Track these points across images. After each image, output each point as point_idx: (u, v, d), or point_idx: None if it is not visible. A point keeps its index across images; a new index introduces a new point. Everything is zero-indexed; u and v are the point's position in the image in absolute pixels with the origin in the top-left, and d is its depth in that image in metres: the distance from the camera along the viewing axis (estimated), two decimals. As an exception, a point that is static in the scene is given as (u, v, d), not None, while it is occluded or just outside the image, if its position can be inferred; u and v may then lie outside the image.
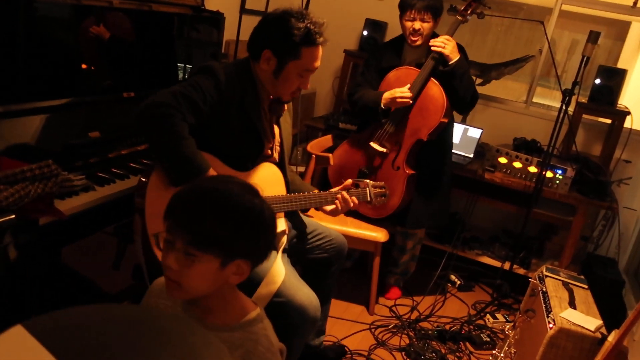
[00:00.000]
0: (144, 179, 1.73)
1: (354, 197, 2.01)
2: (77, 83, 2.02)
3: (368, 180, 2.08)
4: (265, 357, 1.20)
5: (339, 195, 2.00)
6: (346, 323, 2.77)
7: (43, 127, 1.79)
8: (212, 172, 1.72)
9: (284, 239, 1.92)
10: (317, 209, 2.05)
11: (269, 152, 2.01)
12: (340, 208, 2.00)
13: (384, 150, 2.75)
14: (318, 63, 1.87)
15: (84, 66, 2.03)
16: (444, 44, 2.60)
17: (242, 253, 1.14)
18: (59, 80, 1.94)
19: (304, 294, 1.81)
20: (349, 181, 2.05)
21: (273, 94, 1.94)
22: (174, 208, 1.13)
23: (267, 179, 1.96)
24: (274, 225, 1.21)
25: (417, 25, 2.64)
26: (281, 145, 2.09)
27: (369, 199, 2.05)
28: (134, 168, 2.03)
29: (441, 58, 2.63)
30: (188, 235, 1.09)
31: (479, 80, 3.76)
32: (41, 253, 1.68)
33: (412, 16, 2.64)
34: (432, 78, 2.67)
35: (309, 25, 1.77)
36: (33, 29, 1.79)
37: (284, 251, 1.91)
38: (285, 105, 2.04)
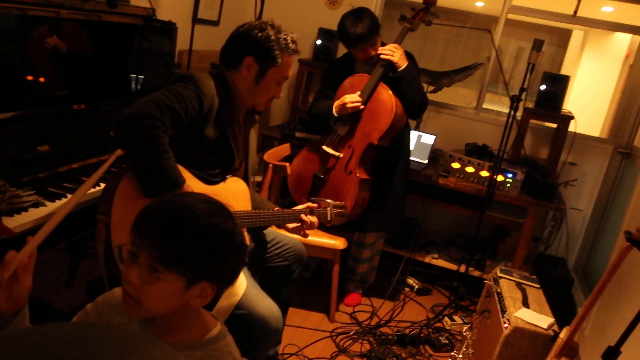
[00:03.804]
0: (110, 185, 1.67)
1: (315, 217, 2.05)
2: (24, 95, 1.95)
3: (329, 200, 2.10)
4: None
5: (304, 217, 2.02)
6: (307, 332, 2.77)
7: (-12, 142, 1.72)
8: (187, 187, 1.70)
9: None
10: (279, 226, 2.07)
11: (237, 165, 2.02)
12: (303, 228, 2.03)
13: (337, 153, 2.79)
14: (291, 72, 1.99)
15: (30, 78, 1.97)
16: (392, 52, 2.67)
17: (209, 276, 1.09)
18: (4, 93, 1.87)
19: (266, 306, 1.81)
20: (315, 205, 2.08)
21: (249, 104, 1.97)
22: (144, 221, 1.07)
23: (235, 194, 1.96)
24: (244, 251, 1.17)
25: (366, 53, 2.73)
26: (246, 159, 2.09)
27: (329, 219, 2.10)
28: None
29: (390, 65, 2.70)
30: (156, 251, 1.04)
31: (430, 88, 3.85)
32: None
33: (359, 49, 2.72)
34: (381, 82, 2.73)
35: (286, 36, 1.91)
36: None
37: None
38: (257, 117, 2.07)
